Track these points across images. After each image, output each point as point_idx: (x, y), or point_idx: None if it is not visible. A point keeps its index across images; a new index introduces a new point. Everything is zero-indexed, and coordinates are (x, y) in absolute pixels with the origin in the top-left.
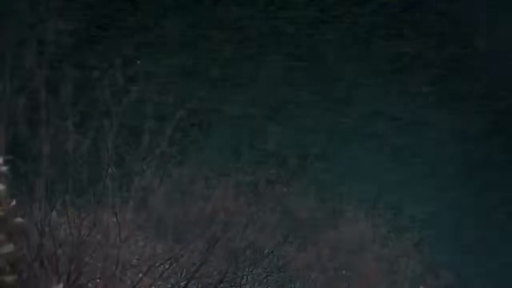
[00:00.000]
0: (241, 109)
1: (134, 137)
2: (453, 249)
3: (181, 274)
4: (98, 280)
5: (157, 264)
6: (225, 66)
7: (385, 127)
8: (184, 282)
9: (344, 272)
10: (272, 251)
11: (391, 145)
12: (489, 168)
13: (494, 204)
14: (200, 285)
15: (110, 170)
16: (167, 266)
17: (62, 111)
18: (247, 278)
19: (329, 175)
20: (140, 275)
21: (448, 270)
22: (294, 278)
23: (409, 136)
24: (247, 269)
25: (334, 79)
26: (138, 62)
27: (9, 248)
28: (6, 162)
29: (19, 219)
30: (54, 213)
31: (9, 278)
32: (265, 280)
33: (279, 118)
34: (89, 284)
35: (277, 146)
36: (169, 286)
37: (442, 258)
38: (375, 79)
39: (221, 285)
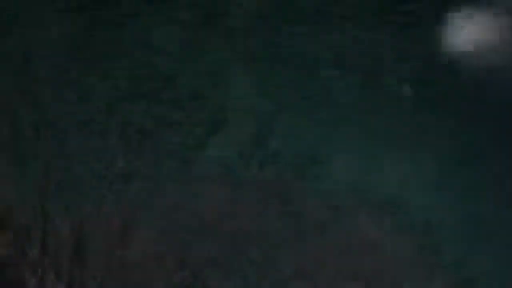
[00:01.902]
0: None
1: (137, 136)
2: None
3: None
4: (100, 280)
5: (159, 264)
6: None
7: None
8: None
9: (346, 273)
10: (273, 252)
11: None
12: None
13: None
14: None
15: (112, 169)
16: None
17: (64, 111)
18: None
19: None
20: (142, 275)
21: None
22: (295, 279)
23: None
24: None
25: None
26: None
27: (10, 250)
28: (8, 162)
29: (20, 219)
30: (56, 212)
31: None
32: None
33: None
34: (91, 284)
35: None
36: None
37: None
38: None
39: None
